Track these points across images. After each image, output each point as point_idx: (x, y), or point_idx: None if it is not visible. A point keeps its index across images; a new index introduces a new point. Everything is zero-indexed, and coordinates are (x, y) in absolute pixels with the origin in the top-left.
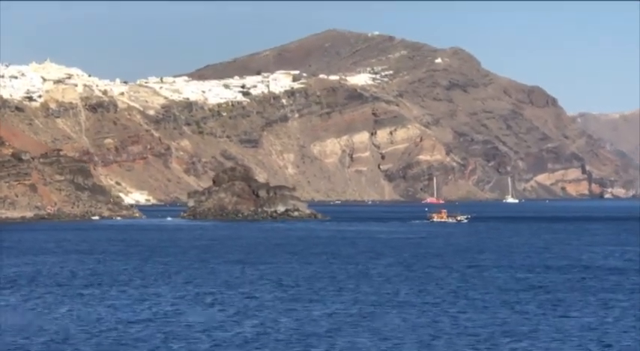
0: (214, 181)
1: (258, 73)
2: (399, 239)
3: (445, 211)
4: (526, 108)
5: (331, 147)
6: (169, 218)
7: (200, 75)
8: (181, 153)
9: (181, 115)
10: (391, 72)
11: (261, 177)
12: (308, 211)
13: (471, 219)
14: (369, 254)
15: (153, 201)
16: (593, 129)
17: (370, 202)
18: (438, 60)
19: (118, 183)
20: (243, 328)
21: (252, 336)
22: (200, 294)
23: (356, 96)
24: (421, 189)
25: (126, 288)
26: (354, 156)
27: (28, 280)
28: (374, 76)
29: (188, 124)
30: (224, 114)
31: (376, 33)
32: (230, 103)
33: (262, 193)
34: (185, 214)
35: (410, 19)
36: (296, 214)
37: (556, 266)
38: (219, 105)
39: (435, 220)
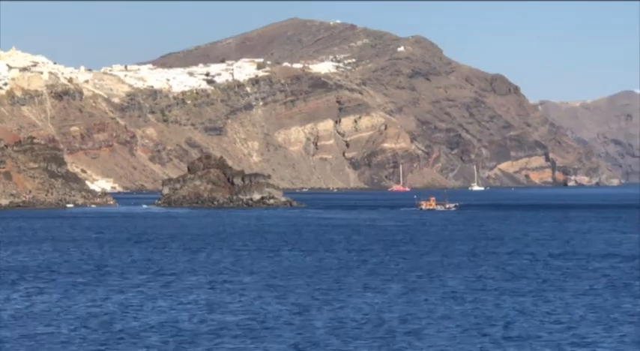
0: (189, 169)
1: (223, 61)
2: (414, 226)
3: (434, 198)
4: (488, 96)
5: (296, 135)
6: (144, 206)
7: (162, 63)
8: (146, 141)
9: (146, 103)
10: (354, 60)
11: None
12: (283, 199)
13: (459, 207)
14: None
15: (119, 189)
16: (554, 117)
17: (336, 190)
18: (401, 48)
19: (83, 171)
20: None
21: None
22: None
23: (320, 84)
24: (386, 177)
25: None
26: (318, 144)
27: (119, 269)
28: (337, 64)
29: (153, 112)
30: (188, 102)
31: (338, 21)
32: (194, 91)
33: (237, 180)
34: (160, 202)
35: (371, 7)
36: (271, 201)
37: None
38: (183, 93)
39: (423, 207)
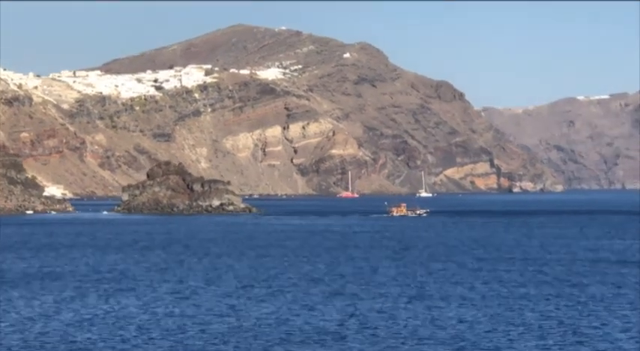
0: (148, 175)
1: (171, 68)
2: (402, 232)
3: (404, 205)
4: (434, 102)
5: (244, 141)
6: (105, 212)
7: (108, 68)
8: (96, 147)
9: (95, 110)
10: (300, 66)
11: None
12: (242, 205)
13: (429, 213)
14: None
15: (69, 195)
16: (497, 123)
17: (285, 197)
18: (347, 55)
19: (34, 177)
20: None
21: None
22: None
23: (268, 90)
24: (334, 183)
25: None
26: (266, 150)
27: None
28: (284, 70)
29: (101, 119)
30: (137, 108)
31: (283, 28)
32: (143, 98)
33: (197, 187)
34: (119, 208)
35: (316, 14)
36: (231, 207)
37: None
38: (132, 99)
39: (395, 214)
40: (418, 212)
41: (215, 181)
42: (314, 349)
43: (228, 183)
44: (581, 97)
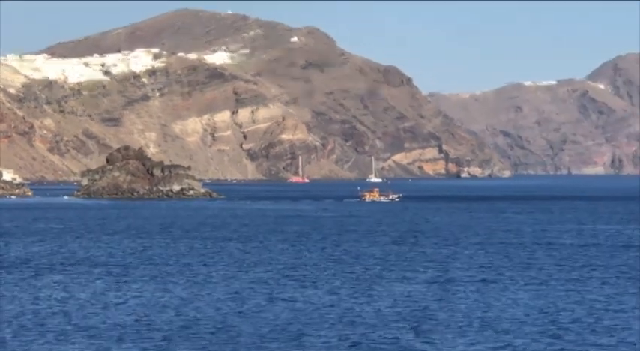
0: (108, 160)
1: (118, 52)
2: (392, 218)
3: (377, 189)
4: (382, 87)
5: (193, 126)
6: (66, 197)
7: (52, 52)
8: (45, 132)
9: (42, 94)
10: (247, 51)
11: None
12: (202, 190)
13: (402, 198)
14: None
15: (19, 180)
16: (444, 109)
17: (235, 182)
18: (294, 39)
19: None
20: None
21: None
22: None
23: (217, 75)
24: (284, 168)
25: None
26: (215, 135)
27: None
28: (231, 55)
29: (49, 103)
30: (85, 93)
31: (229, 12)
32: (91, 82)
33: (157, 172)
34: (79, 193)
35: None
36: (191, 193)
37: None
38: (79, 84)
39: (367, 199)
40: (391, 197)
41: (175, 166)
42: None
43: (189, 168)
44: (528, 83)
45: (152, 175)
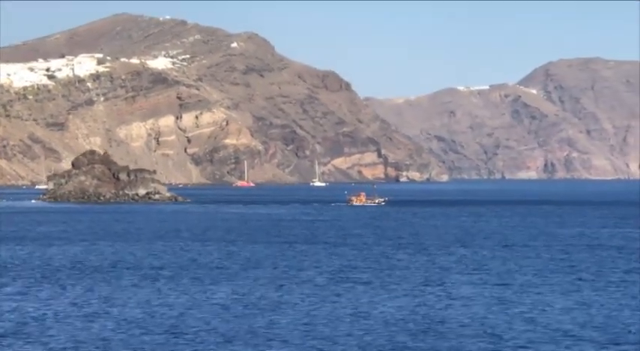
0: (73, 164)
1: (62, 57)
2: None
3: (364, 193)
4: (321, 93)
5: (137, 131)
6: (33, 201)
7: None
8: None
9: None
10: (188, 56)
11: (68, 160)
12: (168, 194)
13: (387, 202)
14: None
15: None
16: (378, 114)
17: (181, 186)
18: (234, 44)
19: None
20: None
21: None
22: None
23: (160, 80)
24: (228, 172)
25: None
26: (160, 140)
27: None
28: (172, 60)
29: None
30: (30, 97)
31: (168, 17)
32: (36, 87)
33: (123, 176)
34: (45, 197)
35: (201, 4)
36: (157, 197)
37: None
38: (24, 88)
39: (355, 203)
40: (377, 201)
41: (141, 170)
42: None
43: (154, 172)
44: (461, 88)
45: (118, 179)
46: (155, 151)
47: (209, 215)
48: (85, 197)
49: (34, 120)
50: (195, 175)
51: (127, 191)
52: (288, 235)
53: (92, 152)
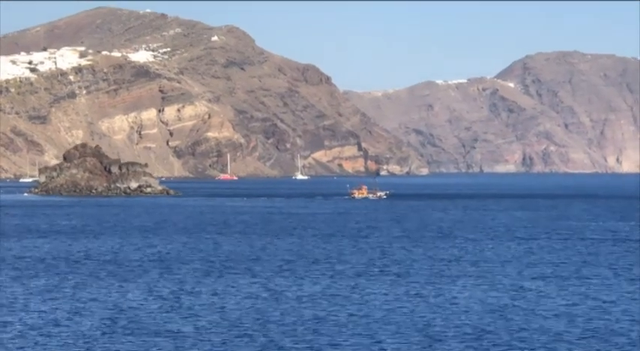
0: (65, 158)
1: (44, 50)
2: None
3: (365, 187)
4: (301, 86)
5: (119, 124)
6: (25, 194)
7: None
8: None
9: None
10: (168, 49)
11: (50, 153)
12: (160, 187)
13: (389, 195)
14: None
15: None
16: (357, 107)
17: (164, 179)
18: (215, 38)
19: None
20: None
21: None
22: None
23: (142, 73)
24: (210, 165)
25: None
26: (142, 133)
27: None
28: (153, 53)
29: None
30: (12, 90)
31: (148, 10)
32: (18, 80)
33: (115, 169)
34: (37, 190)
35: None
36: (149, 190)
37: None
38: (7, 81)
39: (356, 196)
40: (379, 194)
41: (133, 164)
42: None
43: (146, 165)
44: (439, 81)
45: (110, 172)
46: (137, 144)
47: (218, 209)
48: (77, 190)
49: (17, 113)
50: (177, 168)
51: (118, 184)
52: (324, 228)
53: (84, 145)
